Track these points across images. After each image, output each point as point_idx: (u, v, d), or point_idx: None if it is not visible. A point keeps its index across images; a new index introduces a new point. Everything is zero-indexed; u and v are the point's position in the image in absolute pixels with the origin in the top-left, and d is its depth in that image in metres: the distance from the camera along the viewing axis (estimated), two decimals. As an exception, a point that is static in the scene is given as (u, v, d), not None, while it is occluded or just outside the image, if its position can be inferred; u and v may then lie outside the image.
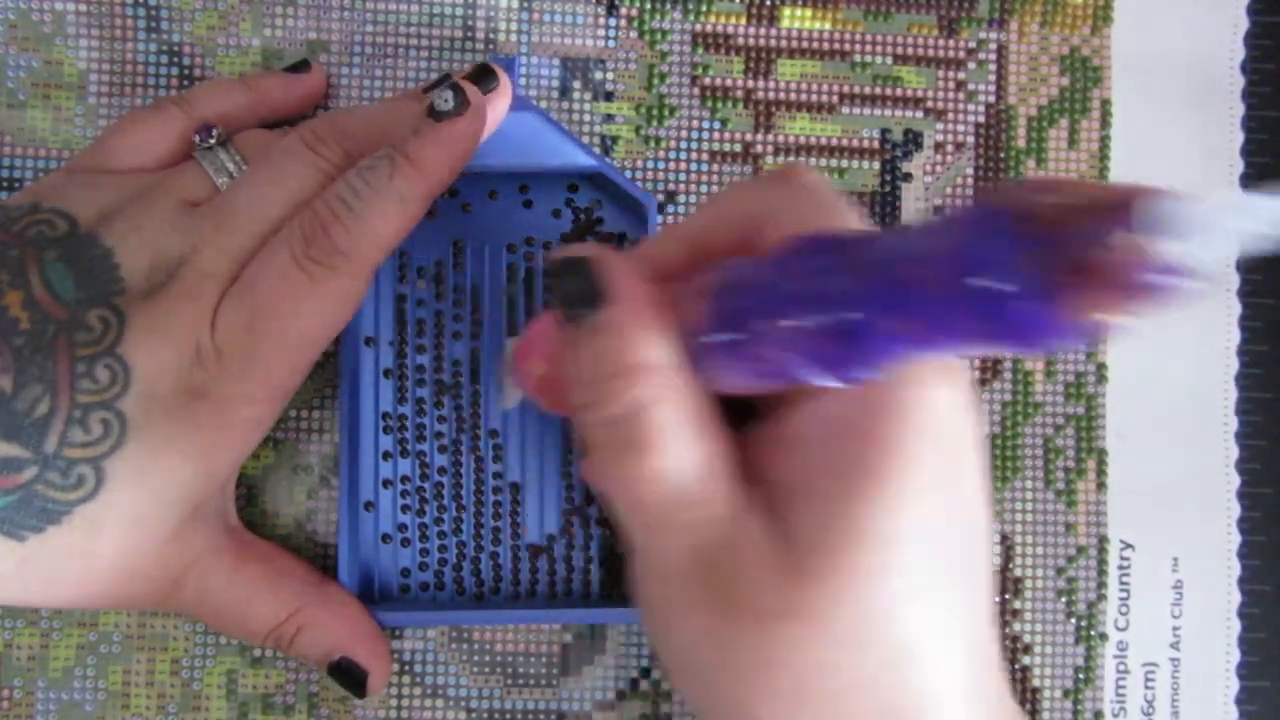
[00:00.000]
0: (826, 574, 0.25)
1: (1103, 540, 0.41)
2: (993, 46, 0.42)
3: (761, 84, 0.41)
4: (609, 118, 0.40)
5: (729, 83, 0.41)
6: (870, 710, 0.26)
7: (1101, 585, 0.41)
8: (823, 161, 0.41)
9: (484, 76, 0.35)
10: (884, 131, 0.41)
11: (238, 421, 0.32)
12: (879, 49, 0.41)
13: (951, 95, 0.41)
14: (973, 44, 0.41)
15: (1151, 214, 0.18)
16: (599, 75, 0.40)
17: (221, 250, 0.32)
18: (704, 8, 0.41)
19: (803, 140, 0.41)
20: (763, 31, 0.41)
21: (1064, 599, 0.41)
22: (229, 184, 0.34)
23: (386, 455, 0.39)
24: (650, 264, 0.28)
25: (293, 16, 0.39)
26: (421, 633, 0.39)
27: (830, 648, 0.25)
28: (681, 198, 0.40)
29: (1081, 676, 0.41)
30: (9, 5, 0.38)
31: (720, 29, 0.41)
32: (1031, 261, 0.19)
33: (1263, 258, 0.42)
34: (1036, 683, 0.41)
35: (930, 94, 0.41)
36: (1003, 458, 0.41)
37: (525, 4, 0.40)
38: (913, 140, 0.41)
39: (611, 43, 0.40)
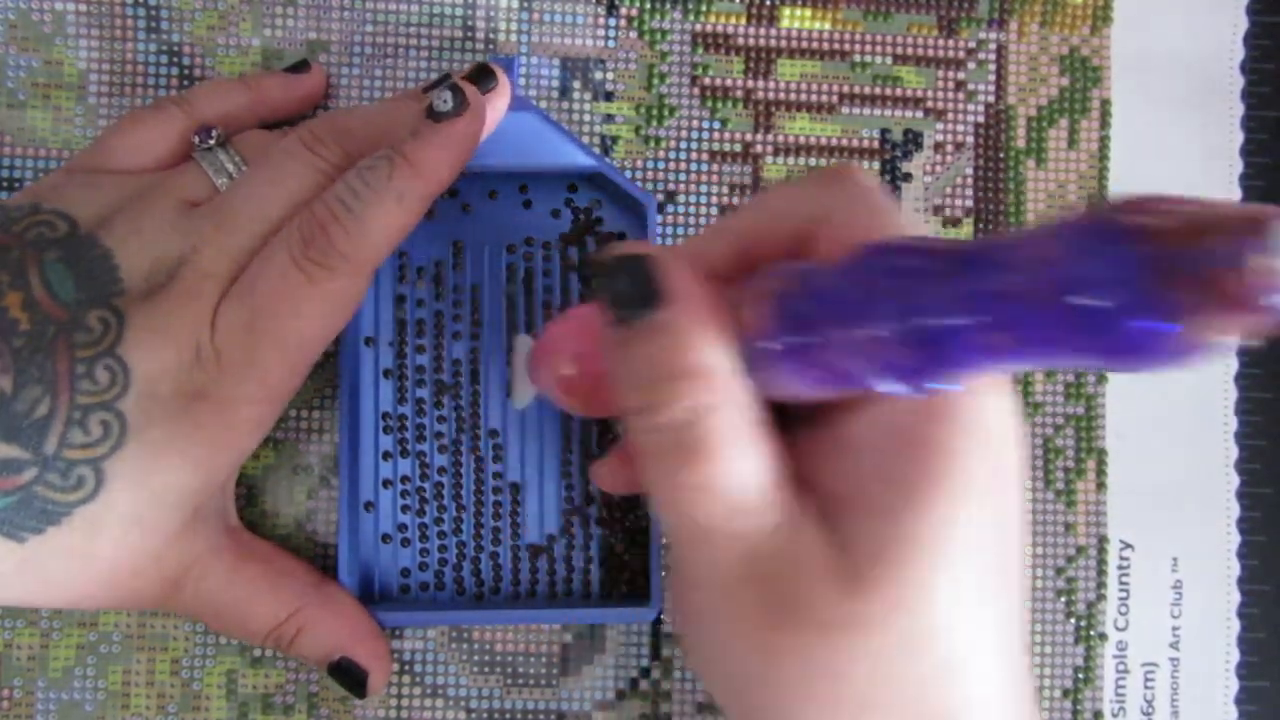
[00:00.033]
0: (884, 584, 0.25)
1: (1102, 540, 0.41)
2: (992, 46, 0.42)
3: (761, 84, 0.41)
4: (609, 118, 0.40)
5: (729, 83, 0.41)
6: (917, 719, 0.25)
7: (1101, 585, 0.41)
8: (823, 161, 0.41)
9: (483, 76, 0.35)
10: (884, 131, 0.41)
11: (237, 422, 0.32)
12: (879, 49, 0.41)
13: (951, 95, 0.41)
14: (972, 44, 0.41)
15: None
16: (599, 75, 0.40)
17: (221, 251, 0.32)
18: (704, 8, 0.41)
19: (803, 140, 0.41)
20: (762, 31, 0.41)
21: (1063, 599, 0.41)
22: (228, 184, 0.34)
23: (386, 455, 0.39)
24: (699, 262, 0.27)
25: (293, 16, 0.39)
26: (421, 633, 0.39)
27: (883, 658, 0.25)
28: (681, 198, 0.40)
29: (1081, 676, 0.41)
30: (9, 5, 0.38)
31: (720, 29, 0.41)
32: (1152, 279, 0.18)
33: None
34: (1036, 682, 0.41)
35: (930, 94, 0.41)
36: (1002, 458, 0.41)
37: (525, 4, 0.40)
38: (912, 140, 0.41)
39: (611, 43, 0.40)
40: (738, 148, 0.41)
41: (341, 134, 0.34)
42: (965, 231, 0.41)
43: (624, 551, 0.39)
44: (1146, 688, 0.41)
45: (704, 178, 0.41)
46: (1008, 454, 0.26)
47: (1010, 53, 0.42)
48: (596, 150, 0.40)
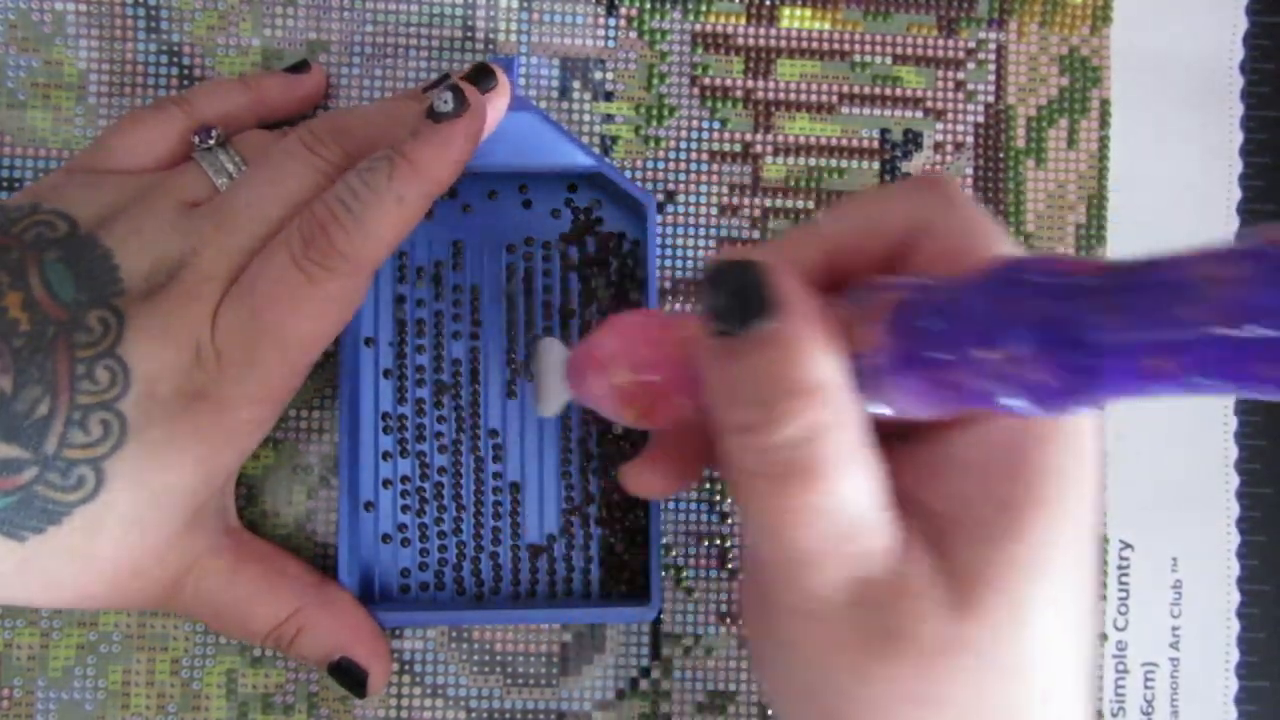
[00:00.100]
0: (991, 609, 0.24)
1: (1102, 540, 0.41)
2: (992, 46, 0.42)
3: (761, 84, 0.41)
4: (609, 118, 0.40)
5: (729, 83, 0.41)
6: None
7: (1101, 585, 0.41)
8: (822, 161, 0.41)
9: (483, 76, 0.35)
10: (883, 131, 0.41)
11: (237, 423, 0.32)
12: (878, 49, 0.41)
13: (951, 95, 0.41)
14: (972, 44, 0.42)
15: None
16: (599, 75, 0.40)
17: (221, 251, 0.32)
18: (704, 8, 0.41)
19: (802, 140, 0.41)
20: (762, 31, 0.41)
21: (1063, 599, 0.41)
22: (228, 185, 0.34)
23: (386, 455, 0.39)
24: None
25: (293, 16, 0.39)
26: (421, 633, 0.39)
27: (983, 686, 0.25)
28: (681, 198, 0.40)
29: (1081, 676, 0.41)
30: (9, 5, 0.38)
31: (720, 29, 0.41)
32: None
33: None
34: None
35: (930, 94, 0.41)
36: (1002, 458, 0.41)
37: (525, 4, 0.40)
38: (912, 140, 0.41)
39: (611, 43, 0.40)
40: (738, 148, 0.41)
41: (341, 134, 0.34)
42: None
43: (624, 551, 0.39)
44: (1146, 688, 0.41)
45: (704, 178, 0.41)
46: (1095, 472, 0.26)
47: (1010, 53, 0.42)
48: (596, 150, 0.40)
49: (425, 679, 0.39)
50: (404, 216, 0.32)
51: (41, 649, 0.38)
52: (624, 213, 0.39)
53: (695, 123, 0.41)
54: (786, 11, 0.41)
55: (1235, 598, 0.41)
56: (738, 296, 0.24)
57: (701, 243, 0.40)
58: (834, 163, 0.41)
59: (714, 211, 0.41)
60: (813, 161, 0.41)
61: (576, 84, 0.40)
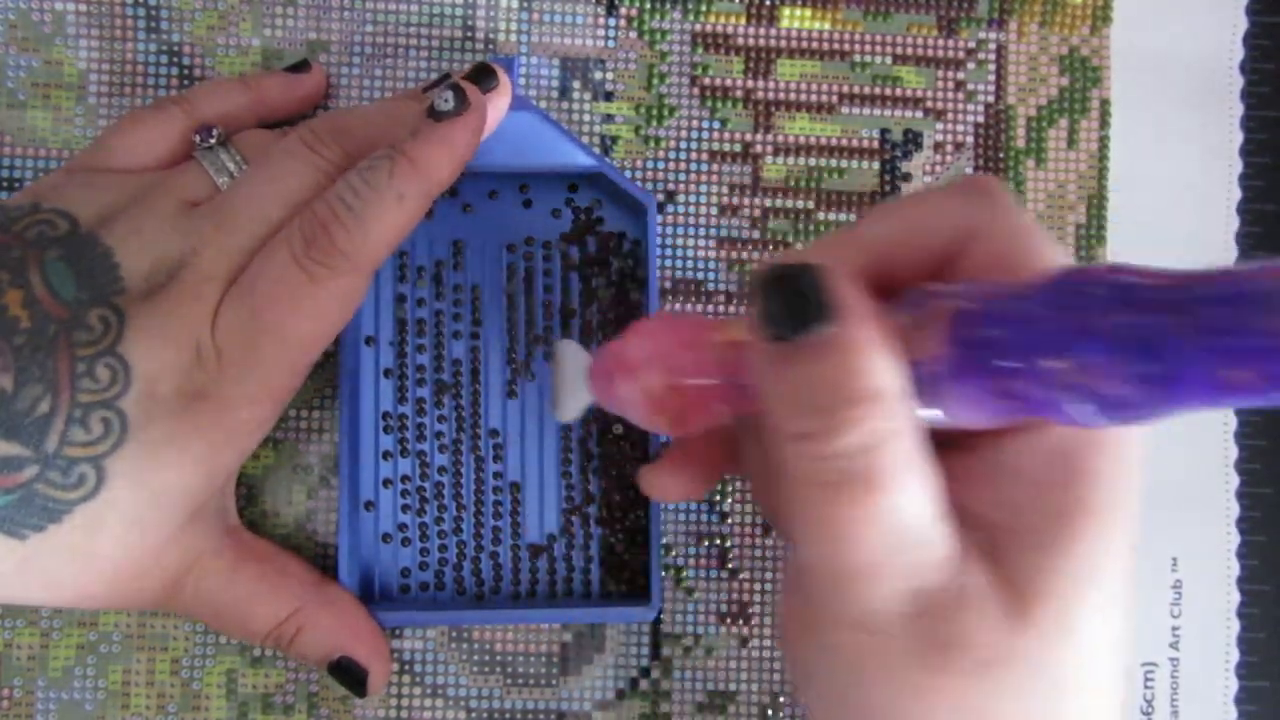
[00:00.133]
0: (1047, 620, 0.24)
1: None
2: (992, 46, 0.42)
3: (761, 84, 0.41)
4: (609, 118, 0.40)
5: (729, 83, 0.41)
6: None
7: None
8: (822, 161, 0.41)
9: (484, 76, 0.35)
10: (883, 131, 0.41)
11: (238, 422, 0.32)
12: (878, 49, 0.41)
13: (951, 95, 0.41)
14: (972, 44, 0.42)
15: None
16: (599, 75, 0.40)
17: (221, 251, 0.32)
18: (704, 8, 0.41)
19: (802, 140, 0.41)
20: (762, 31, 0.41)
21: (1064, 599, 0.41)
22: (229, 184, 0.34)
23: (386, 455, 0.39)
24: None
25: (293, 16, 0.39)
26: (421, 632, 0.39)
27: (1035, 697, 0.25)
28: (681, 198, 0.40)
29: (1081, 676, 0.41)
30: (9, 5, 0.38)
31: (720, 29, 0.41)
32: None
33: (1261, 252, 0.42)
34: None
35: (930, 94, 0.41)
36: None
37: (525, 4, 0.40)
38: (912, 140, 0.41)
39: (611, 43, 0.40)
40: (738, 148, 0.41)
41: (342, 134, 0.34)
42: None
43: (624, 551, 0.39)
44: (1146, 688, 0.41)
45: (704, 178, 0.41)
46: (1140, 481, 0.26)
47: (1010, 53, 0.42)
48: (596, 150, 0.40)
49: (425, 679, 0.39)
50: (405, 215, 0.32)
51: (41, 649, 0.38)
52: (624, 213, 0.39)
53: (695, 123, 0.41)
54: (786, 11, 0.41)
55: (1235, 598, 0.41)
56: (794, 301, 0.24)
57: (701, 243, 0.40)
58: (834, 163, 0.41)
59: (714, 211, 0.41)
60: (813, 161, 0.41)
61: (576, 84, 0.40)
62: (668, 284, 0.40)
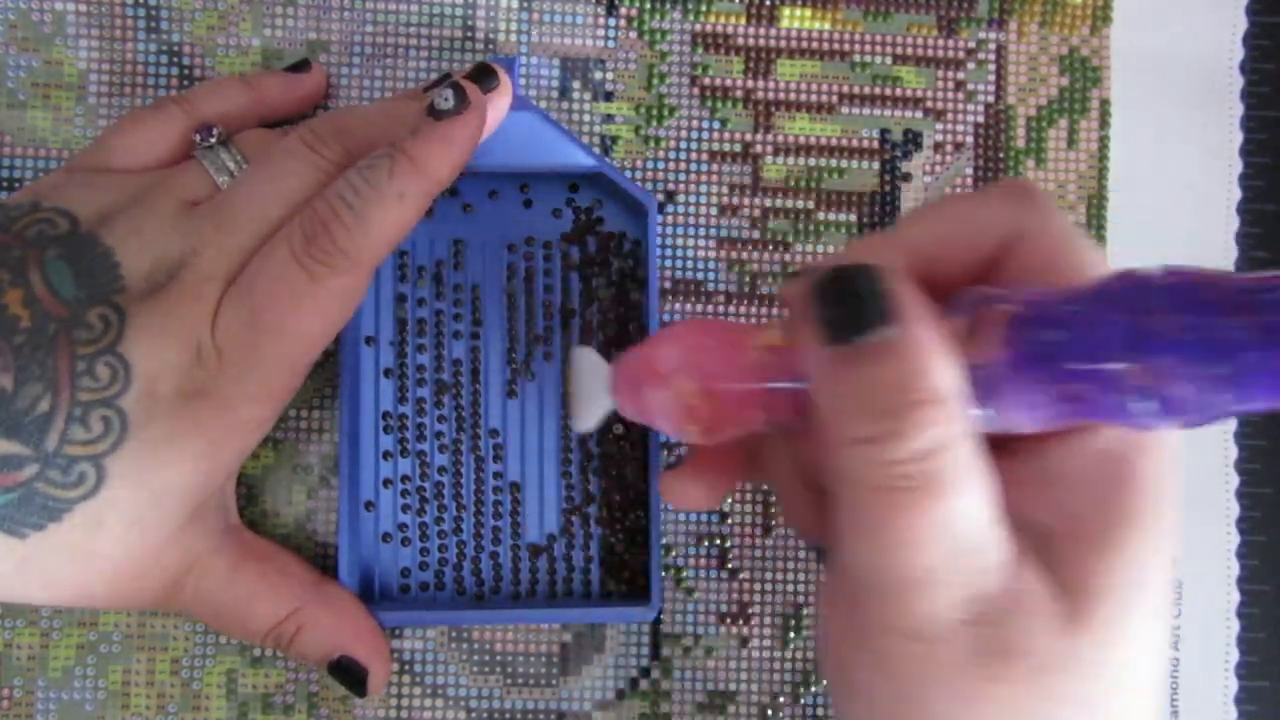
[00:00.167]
0: (1106, 623, 0.24)
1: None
2: (992, 47, 0.42)
3: (761, 84, 0.41)
4: (609, 118, 0.40)
5: (729, 83, 0.41)
6: None
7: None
8: (822, 161, 0.41)
9: (484, 76, 0.35)
10: (883, 131, 0.41)
11: (238, 422, 0.32)
12: (878, 49, 0.41)
13: (951, 95, 0.41)
14: (972, 44, 0.42)
15: None
16: (599, 75, 0.40)
17: (221, 250, 0.32)
18: (704, 8, 0.41)
19: (802, 140, 0.41)
20: (762, 31, 0.41)
21: (1064, 599, 0.41)
22: (229, 183, 0.34)
23: (386, 455, 0.39)
24: None
25: (293, 16, 0.39)
26: (421, 632, 0.39)
27: (1088, 702, 0.24)
28: (681, 198, 0.40)
29: (1081, 676, 0.41)
30: (9, 5, 0.39)
31: (720, 29, 0.41)
32: None
33: (1261, 252, 0.42)
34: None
35: (929, 94, 0.41)
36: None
37: (525, 4, 0.40)
38: (912, 140, 0.41)
39: (611, 43, 0.40)
40: (738, 148, 0.41)
41: (342, 133, 0.34)
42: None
43: (624, 551, 0.39)
44: (1147, 688, 0.41)
45: (704, 178, 0.41)
46: (1179, 482, 0.26)
47: (1010, 53, 0.42)
48: (597, 150, 0.40)
49: (425, 679, 0.39)
50: (405, 214, 0.32)
51: (41, 649, 0.38)
52: (624, 212, 0.39)
53: (695, 123, 0.41)
54: (786, 11, 0.41)
55: (1235, 598, 0.41)
56: (853, 303, 0.23)
57: (701, 243, 0.40)
58: (834, 163, 0.41)
59: (714, 211, 0.41)
60: (813, 161, 0.41)
61: (576, 84, 0.40)
62: (668, 284, 0.40)
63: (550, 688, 0.39)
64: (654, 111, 0.40)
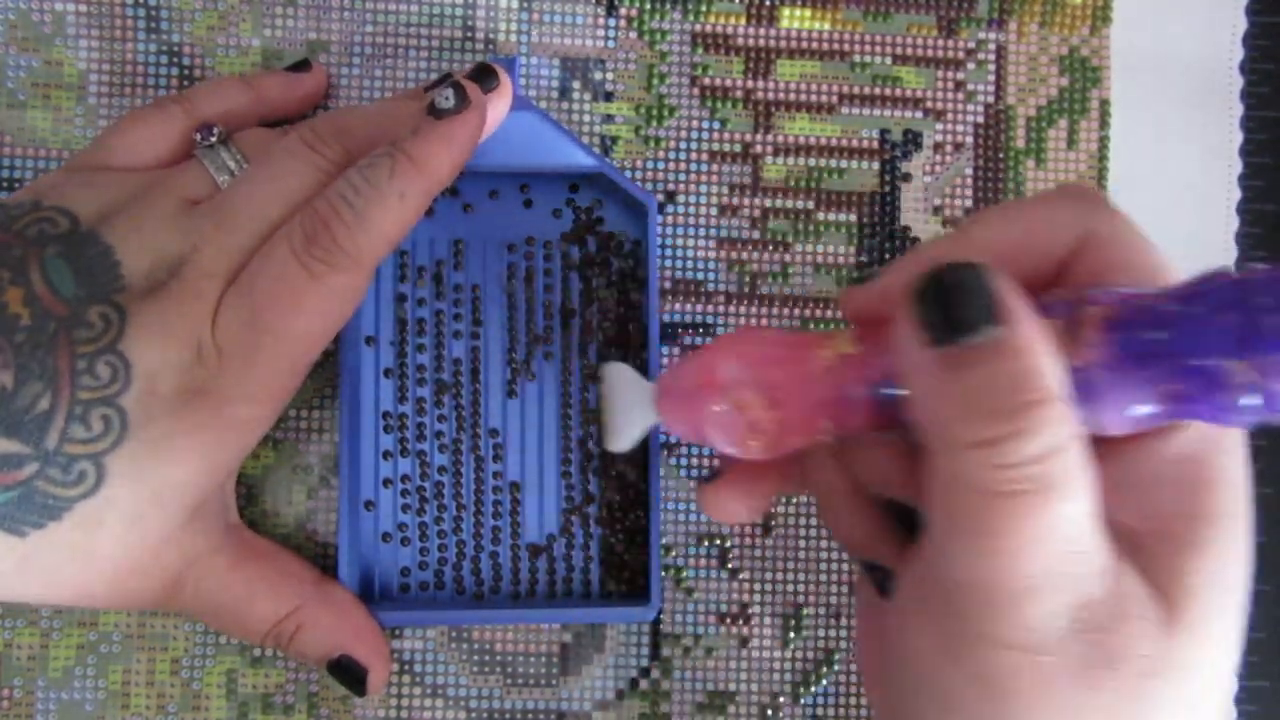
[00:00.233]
0: (1198, 625, 0.24)
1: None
2: (992, 47, 0.42)
3: (761, 84, 0.41)
4: (609, 118, 0.40)
5: (728, 83, 0.41)
6: None
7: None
8: (822, 161, 0.41)
9: (484, 76, 0.35)
10: (883, 132, 0.41)
11: (238, 420, 0.32)
12: (878, 49, 0.41)
13: (950, 95, 0.41)
14: (972, 44, 0.42)
15: None
16: (599, 75, 0.40)
17: (222, 249, 0.32)
18: (704, 8, 0.41)
19: (802, 140, 0.41)
20: (762, 32, 0.41)
21: (1064, 599, 0.41)
22: (229, 182, 0.34)
23: (386, 454, 0.39)
24: None
25: (293, 16, 0.39)
26: (421, 632, 0.39)
27: (1188, 699, 0.24)
28: (681, 198, 0.40)
29: (1081, 676, 0.41)
30: (9, 5, 0.39)
31: (720, 29, 0.41)
32: None
33: (1262, 252, 0.42)
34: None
35: (929, 94, 0.41)
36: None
37: (525, 4, 0.40)
38: (912, 140, 0.41)
39: (611, 43, 0.40)
40: (737, 148, 0.41)
41: (342, 133, 0.34)
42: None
43: (624, 551, 0.39)
44: (1147, 688, 0.41)
45: (704, 178, 0.41)
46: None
47: (1010, 53, 0.42)
48: (597, 150, 0.40)
49: (425, 679, 0.39)
50: (405, 213, 0.32)
51: (41, 649, 0.38)
52: (625, 213, 0.39)
53: (695, 123, 0.41)
54: (786, 11, 0.41)
55: (1236, 598, 0.41)
56: (960, 303, 0.23)
57: (701, 243, 0.40)
58: (834, 163, 0.41)
59: (714, 211, 0.41)
60: (813, 161, 0.41)
61: (576, 84, 0.40)
62: (668, 284, 0.40)
63: (550, 688, 0.39)
64: (654, 111, 0.40)
